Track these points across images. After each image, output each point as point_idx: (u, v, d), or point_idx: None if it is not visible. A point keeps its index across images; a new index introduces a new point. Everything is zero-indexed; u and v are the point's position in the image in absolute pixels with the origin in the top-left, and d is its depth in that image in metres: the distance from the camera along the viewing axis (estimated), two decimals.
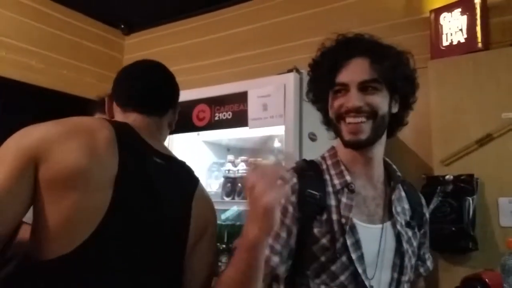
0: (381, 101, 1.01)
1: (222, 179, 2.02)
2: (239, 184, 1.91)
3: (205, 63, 2.95)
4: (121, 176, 0.95)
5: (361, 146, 1.01)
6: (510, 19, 2.06)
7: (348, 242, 0.97)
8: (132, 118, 1.12)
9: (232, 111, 1.88)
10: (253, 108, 1.79)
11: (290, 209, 0.98)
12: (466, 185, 1.82)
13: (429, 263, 1.19)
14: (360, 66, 1.00)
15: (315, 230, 0.98)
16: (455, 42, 2.06)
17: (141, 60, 1.26)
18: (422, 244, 1.16)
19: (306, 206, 0.98)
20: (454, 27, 2.08)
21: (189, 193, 1.10)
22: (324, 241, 0.98)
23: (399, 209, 1.08)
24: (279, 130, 1.74)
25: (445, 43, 2.09)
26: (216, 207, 1.97)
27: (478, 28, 2.02)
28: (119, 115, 1.15)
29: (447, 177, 1.87)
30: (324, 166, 1.07)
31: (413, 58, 1.08)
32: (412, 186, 1.19)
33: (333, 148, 1.12)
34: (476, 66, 1.94)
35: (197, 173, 2.16)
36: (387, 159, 1.13)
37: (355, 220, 1.00)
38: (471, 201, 1.78)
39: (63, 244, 0.88)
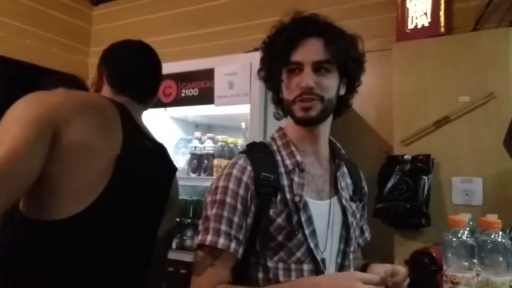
0: (331, 83, 1.04)
1: (188, 156, 2.04)
2: (205, 161, 1.93)
3: (173, 37, 2.90)
4: (123, 155, 1.10)
5: (311, 123, 1.05)
6: (473, 4, 2.12)
7: (302, 218, 1.01)
8: (122, 100, 1.21)
9: (198, 87, 1.88)
10: (219, 85, 1.80)
11: (241, 192, 1.00)
12: (423, 164, 1.90)
13: (367, 234, 1.27)
14: (315, 46, 1.02)
15: (271, 211, 1.01)
16: (419, 26, 2.11)
17: (135, 42, 1.34)
18: (361, 216, 1.22)
19: (262, 189, 1.01)
20: (419, 10, 2.13)
21: (170, 173, 1.32)
22: (279, 220, 1.01)
23: (343, 184, 1.14)
24: (244, 108, 1.77)
25: (410, 26, 2.14)
26: (182, 183, 2.02)
27: (442, 13, 2.07)
28: (109, 93, 1.23)
29: (405, 156, 1.95)
30: (275, 147, 1.10)
31: (362, 42, 1.11)
32: (353, 162, 1.25)
33: (281, 128, 1.14)
34: (438, 50, 2.00)
35: None
36: (331, 138, 1.18)
37: (306, 198, 1.04)
38: (426, 180, 1.87)
39: (76, 204, 1.02)
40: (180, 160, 2.12)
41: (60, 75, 1.99)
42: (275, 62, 1.06)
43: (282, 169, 1.06)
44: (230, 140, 1.95)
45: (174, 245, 1.94)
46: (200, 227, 1.02)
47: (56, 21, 3.14)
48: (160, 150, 1.30)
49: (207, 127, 2.31)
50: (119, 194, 1.10)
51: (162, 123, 2.20)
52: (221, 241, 0.97)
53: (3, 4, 2.78)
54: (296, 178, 1.05)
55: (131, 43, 1.32)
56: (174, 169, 1.36)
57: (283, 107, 1.11)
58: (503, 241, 0.94)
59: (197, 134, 2.03)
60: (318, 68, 1.02)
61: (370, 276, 0.92)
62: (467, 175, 1.86)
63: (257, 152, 1.08)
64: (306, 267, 1.01)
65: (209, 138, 2.01)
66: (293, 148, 1.08)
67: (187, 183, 1.97)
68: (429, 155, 1.91)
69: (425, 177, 1.87)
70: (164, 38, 2.90)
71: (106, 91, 1.24)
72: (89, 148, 1.04)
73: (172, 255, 1.90)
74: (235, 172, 1.02)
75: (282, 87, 1.08)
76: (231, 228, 0.99)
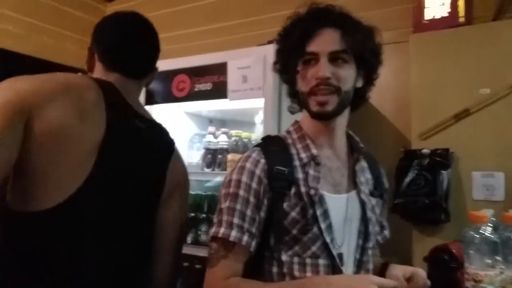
0: (349, 75, 1.02)
1: (203, 151, 2.03)
2: (219, 156, 1.92)
3: (187, 32, 2.90)
4: (108, 137, 1.01)
5: (327, 117, 1.03)
6: None
7: (318, 212, 1.00)
8: (114, 78, 1.12)
9: (212, 82, 1.86)
10: (232, 79, 1.78)
11: (254, 185, 1.00)
12: (442, 159, 1.86)
13: (386, 232, 1.23)
14: (331, 36, 1.00)
15: (285, 205, 1.00)
16: (437, 17, 2.05)
17: (125, 13, 1.22)
18: (381, 213, 1.19)
19: (276, 183, 1.00)
20: (437, 1, 2.07)
21: (166, 156, 1.19)
22: (293, 214, 1.00)
23: (362, 179, 1.11)
24: (258, 102, 1.74)
25: (428, 17, 2.08)
26: (197, 178, 2.03)
27: (461, 3, 2.01)
28: (100, 71, 1.15)
29: (423, 151, 1.90)
30: (290, 140, 1.09)
31: (380, 34, 1.08)
32: (373, 157, 1.22)
33: (297, 122, 1.13)
34: (457, 41, 1.94)
35: (178, 144, 2.18)
36: (350, 131, 1.16)
37: (322, 191, 1.02)
38: (445, 175, 1.82)
39: (60, 193, 0.96)
40: (194, 155, 2.11)
41: (76, 72, 2.01)
42: (291, 54, 1.05)
43: (297, 162, 1.05)
44: (244, 134, 1.93)
45: (189, 239, 1.94)
46: (214, 220, 1.02)
47: (72, 18, 3.16)
48: (155, 131, 1.19)
49: (221, 122, 2.30)
50: (105, 180, 1.02)
51: (176, 118, 2.19)
52: (233, 233, 0.97)
53: (19, 1, 2.81)
54: (311, 171, 1.03)
55: (120, 15, 1.20)
56: (171, 148, 1.22)
57: (299, 100, 1.09)
58: None
59: (211, 129, 2.02)
60: (334, 58, 1.00)
61: (387, 281, 0.89)
62: (488, 170, 1.81)
63: (272, 145, 1.07)
64: (321, 261, 1.00)
65: (223, 133, 1.99)
66: (308, 141, 1.07)
67: (201, 177, 1.97)
68: (448, 149, 1.86)
69: (444, 172, 1.83)
70: (177, 33, 2.90)
71: (98, 69, 1.15)
72: (66, 133, 0.96)
73: (187, 250, 1.90)
74: (248, 165, 1.02)
75: (297, 79, 1.06)
76: (244, 221, 0.99)
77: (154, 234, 1.17)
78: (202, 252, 1.80)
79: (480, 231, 0.96)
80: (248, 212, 0.99)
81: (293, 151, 1.07)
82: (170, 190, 1.18)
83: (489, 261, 0.93)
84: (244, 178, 1.00)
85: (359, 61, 1.03)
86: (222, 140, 1.96)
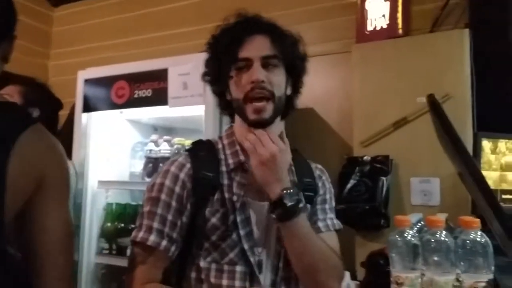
0: (281, 80, 1.03)
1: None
2: (161, 165, 1.87)
3: (132, 39, 2.86)
4: None
5: (265, 125, 1.02)
6: (431, 7, 2.14)
7: (238, 219, 0.99)
8: None
9: (152, 88, 1.83)
10: (173, 86, 1.75)
11: (177, 190, 0.99)
12: (382, 165, 1.90)
13: (329, 222, 1.16)
14: (262, 42, 1.01)
15: (207, 211, 0.99)
16: (378, 28, 2.13)
17: None
18: (318, 207, 1.15)
19: (200, 188, 1.00)
20: (378, 12, 2.14)
21: (2, 143, 0.86)
22: (214, 220, 0.99)
23: None
24: (199, 110, 1.72)
25: (370, 28, 2.15)
26: (138, 188, 1.97)
27: (399, 15, 2.09)
28: None
29: (364, 158, 1.94)
30: (220, 146, 1.08)
31: (304, 44, 1.10)
32: (306, 161, 1.21)
33: (231, 127, 1.12)
34: (396, 51, 2.01)
35: (121, 153, 2.11)
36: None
37: (247, 198, 1.02)
38: (385, 181, 1.86)
39: None
40: (137, 164, 2.05)
41: (19, 78, 1.91)
42: (222, 61, 1.04)
43: (224, 168, 1.04)
44: (187, 142, 1.90)
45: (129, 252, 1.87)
46: (136, 224, 1.00)
47: (17, 24, 3.03)
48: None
49: (166, 129, 2.25)
50: None
51: (118, 126, 2.13)
52: (152, 238, 0.96)
53: None
54: (237, 178, 1.03)
55: None
56: (20, 128, 0.87)
57: (231, 110, 1.08)
58: (446, 239, 0.92)
59: (153, 137, 1.98)
60: (266, 64, 1.01)
61: None
62: (425, 176, 1.87)
63: (201, 150, 1.06)
64: (238, 268, 0.99)
65: (165, 140, 1.95)
66: (237, 147, 1.06)
67: (143, 187, 1.91)
68: (387, 156, 1.91)
69: (384, 178, 1.87)
70: (122, 40, 2.86)
71: None
72: None
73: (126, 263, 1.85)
74: (172, 169, 1.01)
75: (230, 87, 1.05)
76: (164, 225, 0.98)
77: (36, 240, 0.90)
78: None
79: (404, 234, 0.97)
80: (169, 217, 0.98)
81: (222, 156, 1.06)
82: (29, 184, 0.88)
83: (411, 263, 0.94)
84: (168, 182, 0.99)
85: (288, 68, 1.05)
86: (164, 148, 1.92)
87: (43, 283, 0.90)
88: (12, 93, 1.81)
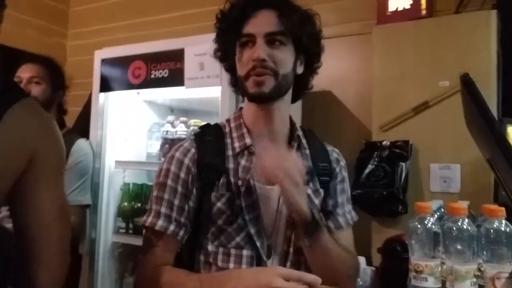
0: (286, 57, 1.00)
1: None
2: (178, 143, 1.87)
3: (148, 19, 2.83)
4: None
5: (264, 100, 1.00)
6: None
7: (243, 203, 0.98)
8: None
9: (168, 69, 1.81)
10: (189, 67, 1.73)
11: (182, 175, 1.00)
12: (401, 150, 1.86)
13: (349, 217, 1.16)
14: (268, 18, 0.98)
15: (212, 195, 0.99)
16: (400, 8, 2.06)
17: None
18: (336, 197, 1.14)
19: (204, 173, 1.00)
20: None
21: None
22: (219, 204, 0.99)
23: None
24: (215, 91, 1.70)
25: (391, 8, 2.08)
26: (154, 168, 1.96)
27: None
28: None
29: (383, 142, 1.91)
30: (227, 129, 1.07)
31: (319, 20, 1.05)
32: (322, 144, 1.17)
33: (240, 109, 1.11)
34: (419, 33, 1.94)
35: (138, 134, 2.12)
36: (292, 119, 1.12)
37: (255, 182, 1.00)
38: (404, 166, 1.83)
39: None
40: (153, 144, 2.06)
41: (36, 57, 1.93)
42: (228, 37, 1.02)
43: (229, 152, 1.03)
44: (203, 124, 1.89)
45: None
46: (147, 208, 1.02)
47: (32, 2, 3.03)
48: None
49: (183, 111, 2.24)
50: None
51: (135, 107, 2.13)
52: (160, 223, 0.97)
53: None
54: (243, 162, 1.02)
55: None
56: (7, 103, 0.81)
57: (239, 87, 1.06)
58: (469, 228, 0.90)
59: (170, 118, 1.97)
60: (271, 40, 0.98)
61: (291, 272, 0.87)
62: (446, 162, 1.83)
63: (208, 135, 1.05)
64: (245, 252, 0.99)
65: (182, 122, 1.94)
66: (244, 130, 1.04)
67: None
68: (407, 141, 1.87)
69: (403, 164, 1.83)
70: (139, 20, 2.84)
71: None
72: None
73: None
74: (177, 154, 1.01)
75: (236, 63, 1.03)
76: (172, 210, 0.99)
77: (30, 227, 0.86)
78: None
79: (425, 221, 0.95)
80: (176, 202, 0.99)
81: (228, 140, 1.05)
82: (16, 163, 0.82)
83: (431, 251, 0.92)
84: (173, 168, 1.00)
85: (297, 45, 1.01)
86: (180, 130, 1.91)
87: (32, 268, 0.87)
88: (42, 76, 1.82)
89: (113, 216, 2.03)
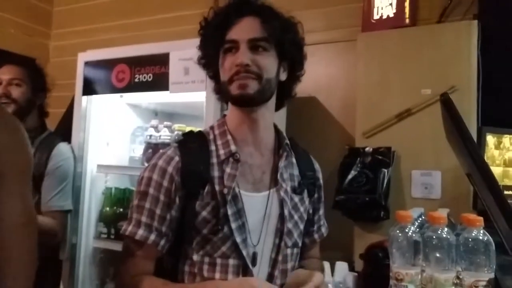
0: (269, 63, 1.00)
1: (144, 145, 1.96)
2: (161, 151, 1.85)
3: (133, 21, 2.81)
4: None
5: (248, 102, 0.99)
6: None
7: (229, 211, 0.97)
8: None
9: (153, 73, 1.80)
10: (174, 71, 1.71)
11: (165, 184, 0.98)
12: (384, 157, 1.89)
13: (323, 230, 1.22)
14: (251, 24, 0.99)
15: (197, 204, 0.98)
16: (384, 16, 2.08)
17: None
18: (317, 210, 1.18)
19: (188, 182, 0.98)
20: (385, 1, 2.09)
21: None
22: (204, 213, 0.97)
23: (285, 175, 1.08)
24: (200, 96, 1.69)
25: (376, 16, 2.11)
26: (137, 173, 1.94)
27: (407, 4, 2.04)
28: None
29: (366, 149, 1.93)
30: (211, 136, 1.06)
31: (302, 28, 1.06)
32: (306, 152, 1.20)
33: (223, 116, 1.10)
34: (402, 41, 1.97)
35: (120, 137, 2.09)
36: (277, 126, 1.13)
37: (240, 190, 1.00)
38: (386, 173, 1.85)
39: None
40: (137, 148, 2.03)
41: (17, 58, 1.90)
42: (211, 44, 1.02)
43: (214, 160, 1.02)
44: (187, 129, 1.87)
45: None
46: (128, 217, 1.01)
47: (16, 2, 2.98)
48: None
49: (167, 115, 2.22)
50: None
51: (118, 111, 2.10)
52: (140, 232, 0.97)
53: None
54: (228, 169, 1.00)
55: None
56: None
57: (223, 94, 1.06)
58: (448, 237, 0.91)
59: (153, 122, 1.96)
60: (254, 46, 0.98)
61: (268, 285, 0.92)
62: (427, 169, 1.86)
63: (191, 142, 1.04)
64: (231, 262, 0.98)
65: (166, 126, 1.93)
66: (229, 137, 1.04)
67: None
68: (390, 148, 1.90)
69: (385, 170, 1.86)
70: (124, 22, 2.81)
71: None
72: None
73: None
74: (160, 162, 1.00)
75: (220, 72, 1.03)
76: (153, 219, 0.97)
77: None
78: None
79: (405, 230, 0.96)
80: (158, 211, 0.98)
81: (213, 147, 1.03)
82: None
83: (411, 259, 0.93)
84: (155, 176, 0.98)
85: (280, 51, 1.01)
86: (164, 134, 1.90)
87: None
88: (22, 78, 1.80)
89: (94, 221, 2.00)
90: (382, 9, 2.10)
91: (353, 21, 2.22)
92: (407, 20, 2.04)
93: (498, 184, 0.73)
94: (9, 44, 2.79)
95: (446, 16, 2.06)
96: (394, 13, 2.06)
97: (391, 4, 2.08)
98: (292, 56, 1.05)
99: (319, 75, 2.28)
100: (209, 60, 1.06)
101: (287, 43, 1.01)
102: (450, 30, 1.90)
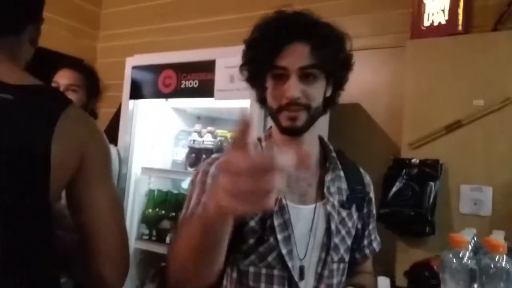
0: (318, 91, 1.00)
1: (187, 149, 1.99)
2: (204, 155, 1.87)
3: (179, 24, 2.84)
4: None
5: (297, 133, 1.01)
6: (494, 3, 2.00)
7: (276, 222, 0.98)
8: None
9: (199, 79, 1.81)
10: (220, 78, 1.73)
11: None
12: (431, 170, 1.82)
13: (375, 245, 1.20)
14: (301, 51, 0.97)
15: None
16: (436, 23, 2.00)
17: None
18: (367, 225, 1.16)
19: None
20: (436, 7, 2.01)
21: (44, 126, 0.87)
22: (252, 223, 0.99)
23: (332, 189, 1.07)
24: (244, 101, 1.70)
25: (426, 23, 2.03)
26: (179, 177, 1.98)
27: (460, 10, 1.95)
28: None
29: (413, 160, 1.86)
30: (259, 148, 1.07)
31: (350, 41, 1.04)
32: (355, 165, 1.19)
33: (270, 128, 1.11)
34: (454, 49, 1.89)
35: (164, 140, 2.13)
36: (325, 139, 1.13)
37: (287, 201, 1.01)
38: (433, 186, 1.78)
39: None
40: (179, 152, 2.07)
41: (75, 63, 1.95)
42: (259, 66, 1.02)
43: None
44: (230, 135, 1.89)
45: (168, 239, 1.89)
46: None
47: (65, 4, 3.10)
48: (25, 97, 0.88)
49: (209, 119, 2.25)
50: None
51: (162, 114, 2.14)
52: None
53: None
54: None
55: None
56: (54, 115, 0.88)
57: (268, 108, 1.06)
58: (507, 267, 0.86)
59: (197, 127, 1.98)
60: (305, 75, 0.97)
61: None
62: (477, 183, 1.77)
63: None
64: (276, 273, 0.99)
65: (209, 132, 1.94)
66: (276, 149, 1.04)
67: (184, 177, 1.92)
68: (437, 160, 1.82)
69: (432, 183, 1.79)
70: (169, 25, 2.85)
71: None
72: None
73: (166, 250, 1.88)
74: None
75: (266, 92, 1.03)
76: None
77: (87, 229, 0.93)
78: None
79: (460, 255, 0.92)
80: None
81: None
82: (69, 165, 0.90)
83: (465, 287, 0.89)
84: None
85: (328, 74, 1.01)
86: (207, 140, 1.92)
87: (98, 259, 0.93)
88: (79, 84, 1.85)
89: (137, 222, 2.04)
90: (433, 15, 2.02)
91: (402, 27, 2.16)
92: (460, 27, 1.95)
93: None
94: (59, 45, 2.90)
95: (502, 24, 1.96)
96: (446, 20, 1.97)
97: (443, 11, 1.99)
98: (340, 75, 1.05)
99: (365, 81, 2.23)
100: (256, 82, 1.06)
101: (337, 66, 1.01)
102: (506, 39, 1.81)
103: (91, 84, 1.89)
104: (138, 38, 2.99)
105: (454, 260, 0.91)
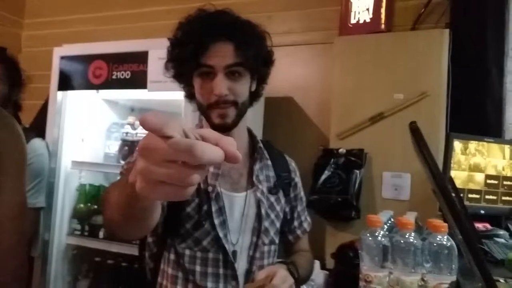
0: (244, 87, 1.06)
1: (120, 141, 1.95)
2: (137, 149, 1.85)
3: (109, 14, 2.75)
4: None
5: (228, 129, 1.05)
6: (414, 4, 2.15)
7: (213, 208, 1.03)
8: None
9: (131, 70, 1.79)
10: (153, 69, 1.71)
11: None
12: (356, 158, 1.94)
13: (305, 225, 1.27)
14: (226, 50, 1.01)
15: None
16: (361, 21, 2.13)
17: None
18: (295, 207, 1.23)
19: None
20: (362, 5, 2.14)
21: None
22: (189, 209, 1.03)
23: (261, 177, 1.14)
24: (178, 94, 1.69)
25: (353, 21, 2.15)
26: (112, 170, 1.94)
27: (383, 10, 2.10)
28: None
29: (340, 150, 1.98)
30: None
31: (270, 38, 1.10)
32: (281, 154, 1.26)
33: (200, 120, 1.14)
34: (377, 46, 2.02)
35: (96, 133, 2.07)
36: (253, 131, 1.19)
37: (221, 189, 1.06)
38: (358, 174, 1.91)
39: None
40: (112, 145, 2.02)
41: None
42: (185, 65, 1.04)
43: None
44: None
45: (101, 234, 1.85)
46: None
47: None
48: None
49: (143, 111, 2.21)
50: None
51: (94, 106, 2.08)
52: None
53: None
54: (211, 169, 1.06)
55: None
56: None
57: (197, 103, 1.09)
58: (414, 242, 0.96)
59: (130, 119, 1.94)
60: (230, 72, 1.02)
61: None
62: (397, 171, 1.92)
63: None
64: (211, 255, 1.04)
65: None
66: None
67: (117, 170, 1.88)
68: (362, 150, 1.95)
69: (357, 171, 1.91)
70: (98, 15, 2.76)
71: None
72: None
73: (99, 245, 1.84)
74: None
75: (194, 88, 1.07)
76: None
77: None
78: (114, 248, 1.75)
79: (375, 234, 1.00)
80: None
81: None
82: None
83: (380, 262, 0.98)
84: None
85: (252, 71, 1.07)
86: (141, 132, 1.89)
87: None
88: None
89: (68, 218, 1.98)
90: (359, 13, 2.15)
91: (331, 24, 2.26)
92: (383, 26, 2.09)
93: (457, 207, 0.79)
94: None
95: (419, 24, 2.12)
96: (370, 18, 2.11)
97: (368, 9, 2.13)
98: (263, 71, 1.11)
99: (296, 76, 2.32)
100: (183, 79, 1.10)
101: (260, 64, 1.07)
102: (423, 38, 1.96)
103: (12, 75, 1.79)
104: (66, 27, 2.86)
105: (370, 239, 1.00)
